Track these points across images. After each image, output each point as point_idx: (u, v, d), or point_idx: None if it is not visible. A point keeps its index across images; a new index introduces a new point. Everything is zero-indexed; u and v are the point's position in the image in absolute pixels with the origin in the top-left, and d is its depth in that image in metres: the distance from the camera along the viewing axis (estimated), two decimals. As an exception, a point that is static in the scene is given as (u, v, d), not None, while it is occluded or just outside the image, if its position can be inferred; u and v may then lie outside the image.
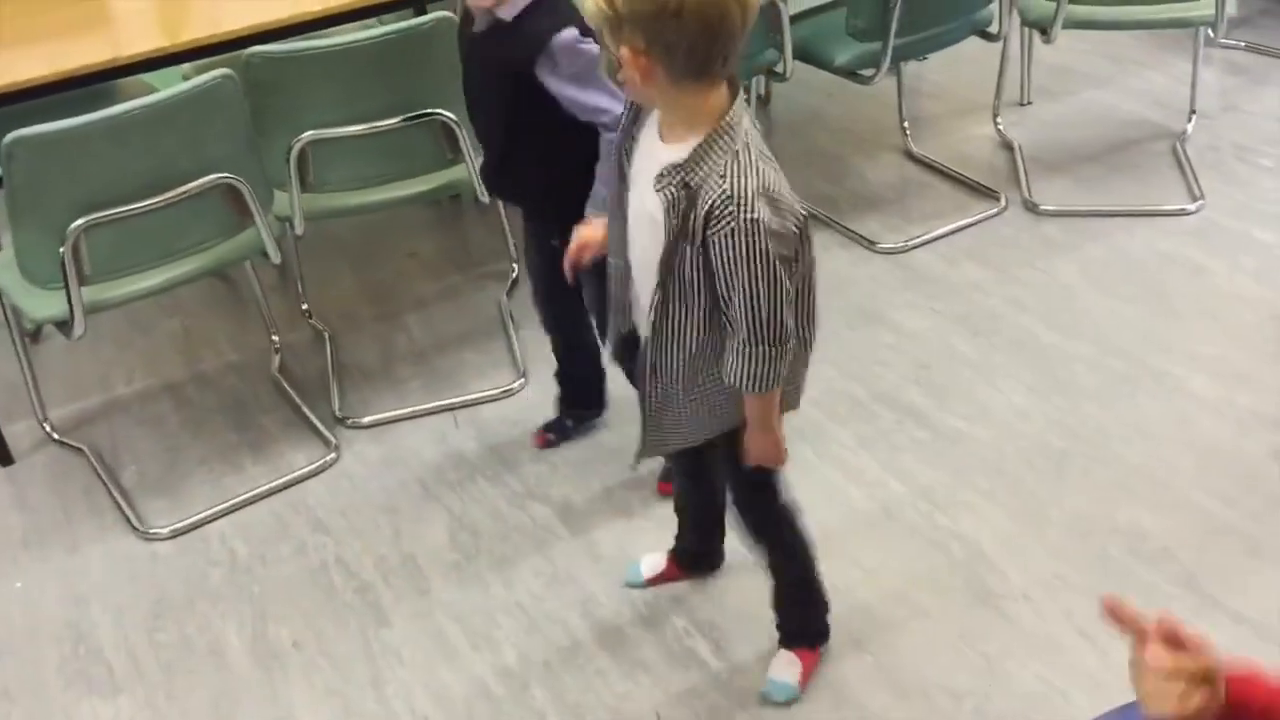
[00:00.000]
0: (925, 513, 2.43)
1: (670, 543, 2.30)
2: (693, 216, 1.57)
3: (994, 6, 3.34)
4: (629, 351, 1.87)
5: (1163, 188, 3.47)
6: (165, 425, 2.86)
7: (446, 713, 2.10)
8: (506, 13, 2.06)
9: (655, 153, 1.63)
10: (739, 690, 2.09)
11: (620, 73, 1.57)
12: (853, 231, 3.37)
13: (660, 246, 1.63)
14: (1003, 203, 3.44)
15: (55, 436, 2.83)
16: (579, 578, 2.35)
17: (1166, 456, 2.52)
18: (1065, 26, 3.30)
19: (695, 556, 2.29)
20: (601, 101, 2.03)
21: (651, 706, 2.08)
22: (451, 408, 2.83)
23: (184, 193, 2.37)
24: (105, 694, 2.20)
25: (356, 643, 2.25)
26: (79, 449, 2.78)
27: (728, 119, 1.56)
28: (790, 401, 1.85)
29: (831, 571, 2.30)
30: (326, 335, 3.11)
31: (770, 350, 1.63)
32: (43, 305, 2.44)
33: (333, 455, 2.70)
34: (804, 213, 1.61)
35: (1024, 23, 3.49)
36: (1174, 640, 1.06)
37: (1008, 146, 3.75)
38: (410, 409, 2.83)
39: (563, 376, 2.66)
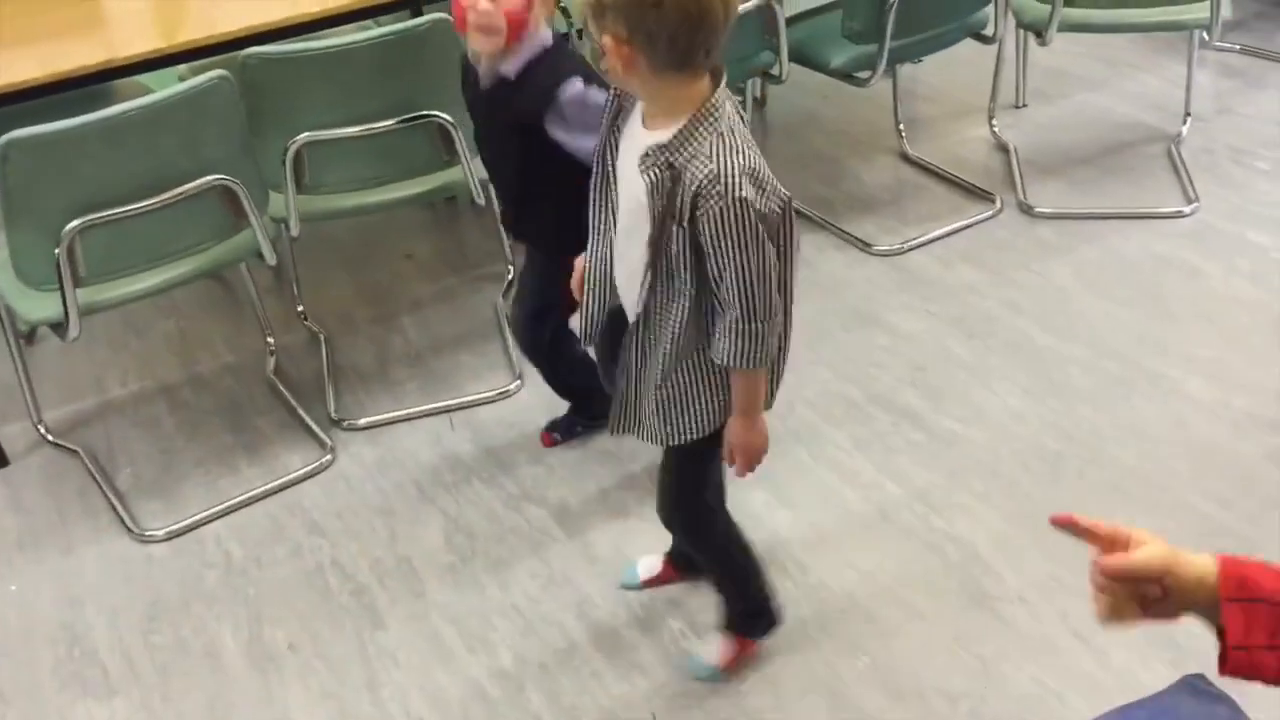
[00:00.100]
0: (921, 515, 2.43)
1: (667, 544, 2.30)
2: (679, 197, 1.59)
3: (989, 9, 3.35)
4: (609, 338, 1.87)
5: (1158, 190, 3.48)
6: (160, 427, 2.86)
7: (442, 715, 2.10)
8: (510, 69, 2.06)
9: (639, 139, 1.64)
10: (734, 692, 2.09)
11: (603, 61, 1.58)
12: (848, 233, 3.37)
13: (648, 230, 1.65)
14: (998, 205, 3.45)
15: (50, 438, 2.82)
16: (575, 580, 2.34)
17: (1162, 459, 2.52)
18: (1060, 29, 3.31)
19: (691, 558, 2.29)
20: None
21: (648, 709, 2.08)
22: (447, 410, 2.83)
23: (179, 194, 2.37)
24: (100, 696, 2.19)
25: (352, 645, 2.25)
26: (74, 451, 2.78)
27: (711, 102, 1.58)
28: (771, 398, 1.84)
29: (827, 573, 2.31)
30: (322, 337, 3.11)
31: (761, 326, 1.65)
32: (37, 307, 2.43)
33: (328, 457, 2.70)
34: (787, 195, 1.63)
35: (1019, 25, 3.49)
36: (1120, 546, 1.07)
37: (1003, 149, 3.75)
38: (406, 411, 2.83)
39: (563, 393, 2.65)
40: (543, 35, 2.07)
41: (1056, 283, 3.12)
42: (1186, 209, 3.36)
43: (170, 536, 2.52)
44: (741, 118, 1.65)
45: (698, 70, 1.57)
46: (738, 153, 1.56)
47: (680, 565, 2.30)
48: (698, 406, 1.79)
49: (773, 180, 1.60)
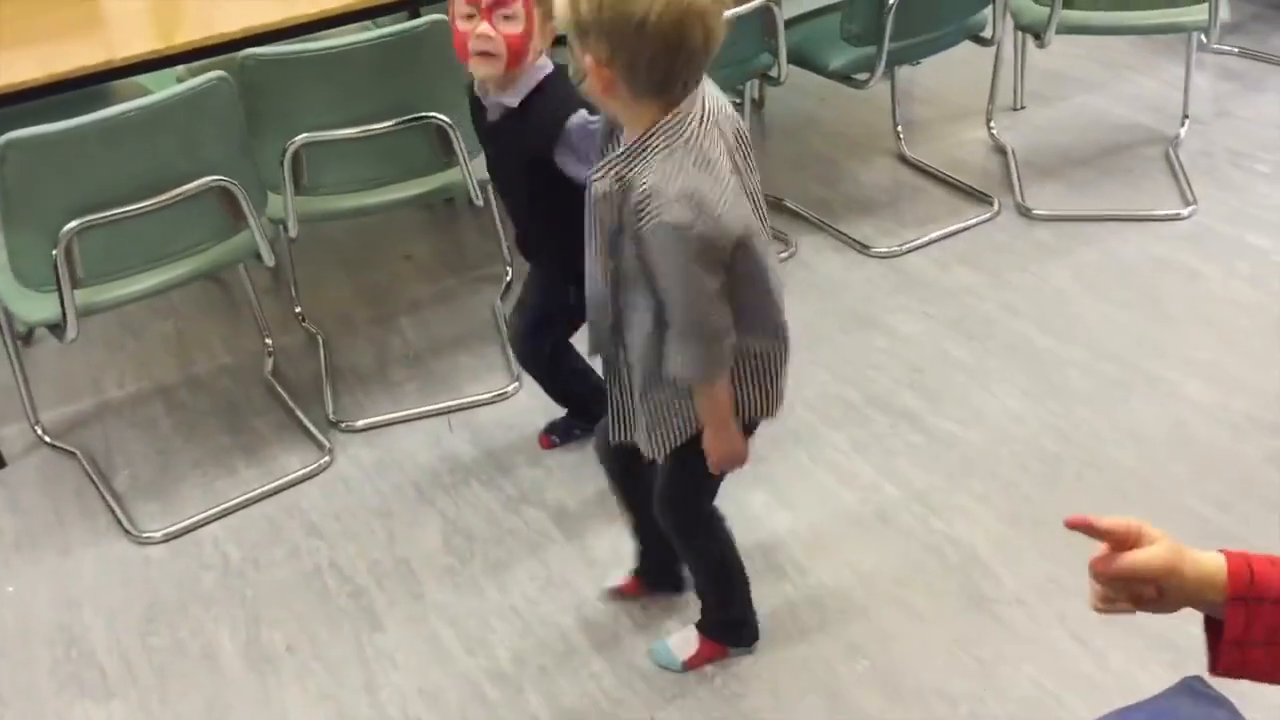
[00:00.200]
0: (920, 516, 2.43)
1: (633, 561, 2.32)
2: (625, 209, 1.60)
3: (988, 11, 3.35)
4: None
5: (1156, 193, 3.48)
6: (158, 428, 2.85)
7: (440, 716, 2.10)
8: (512, 99, 2.07)
9: None
10: (734, 694, 2.09)
11: (585, 81, 1.59)
12: (846, 235, 3.37)
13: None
14: (996, 207, 3.45)
15: (47, 440, 2.82)
16: (573, 582, 2.34)
17: (1161, 461, 2.52)
18: (1059, 31, 3.31)
19: (656, 579, 2.28)
20: None
21: (646, 710, 2.08)
22: (446, 411, 2.82)
23: (178, 195, 2.36)
24: (98, 698, 2.19)
25: (350, 646, 2.25)
26: (71, 452, 2.77)
27: (668, 119, 1.57)
28: (762, 409, 1.84)
29: (826, 575, 2.31)
30: (320, 338, 3.10)
31: (697, 346, 1.66)
32: (35, 308, 2.43)
33: (326, 459, 2.69)
34: (742, 227, 1.61)
35: (1017, 27, 3.49)
36: (1130, 543, 1.08)
37: (1001, 151, 3.75)
38: (404, 412, 2.82)
39: (561, 400, 2.65)
40: (543, 64, 2.08)
41: (1055, 285, 3.12)
42: (1185, 211, 3.37)
43: (168, 538, 2.52)
44: (738, 131, 1.66)
45: (674, 99, 1.57)
46: (682, 173, 1.56)
47: (646, 583, 2.28)
48: (675, 419, 1.80)
49: (721, 207, 1.58)
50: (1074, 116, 3.95)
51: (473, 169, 2.65)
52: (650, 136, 1.58)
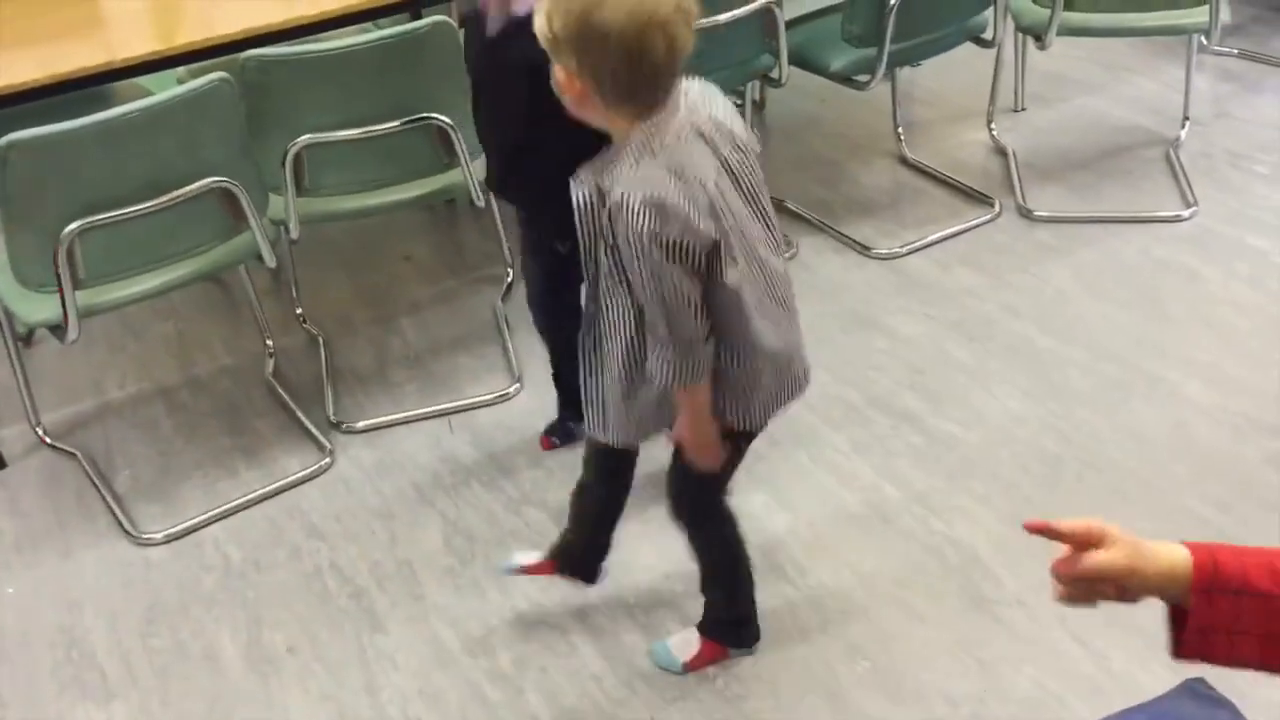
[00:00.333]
0: (920, 517, 2.43)
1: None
2: (603, 216, 1.64)
3: (988, 13, 3.35)
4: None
5: (1156, 194, 3.48)
6: (158, 430, 2.85)
7: (441, 717, 2.10)
8: (521, 8, 2.05)
9: None
10: (735, 696, 2.09)
11: (564, 94, 1.63)
12: (847, 237, 3.37)
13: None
14: (997, 208, 3.45)
15: (48, 441, 2.82)
16: (575, 583, 2.34)
17: (1161, 462, 2.52)
18: (1060, 33, 3.31)
19: (576, 560, 2.25)
20: None
21: (647, 712, 2.08)
22: (446, 412, 2.82)
23: (179, 196, 2.36)
24: (99, 700, 2.19)
25: (351, 648, 2.25)
26: (72, 453, 2.77)
27: (642, 128, 1.60)
28: (742, 421, 1.84)
29: (826, 576, 2.31)
30: (320, 339, 3.10)
31: (672, 351, 1.68)
32: (36, 309, 2.43)
33: (327, 460, 2.69)
34: (713, 235, 1.62)
35: (1018, 29, 3.49)
36: (1091, 544, 1.09)
37: (1001, 152, 3.75)
38: (405, 414, 2.82)
39: (559, 379, 2.65)
40: None
41: (1055, 286, 3.12)
42: (1185, 213, 3.37)
43: (169, 539, 2.52)
44: (735, 145, 1.69)
45: (647, 105, 1.60)
46: (647, 181, 1.58)
47: (560, 561, 2.26)
48: (660, 412, 1.83)
49: (688, 216, 1.59)
50: (1074, 118, 3.95)
51: (474, 170, 2.65)
52: (622, 145, 1.62)
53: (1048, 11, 3.28)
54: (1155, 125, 3.84)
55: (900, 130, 3.83)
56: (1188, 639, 1.06)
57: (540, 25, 1.57)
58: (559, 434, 2.69)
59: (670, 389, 1.75)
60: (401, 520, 2.53)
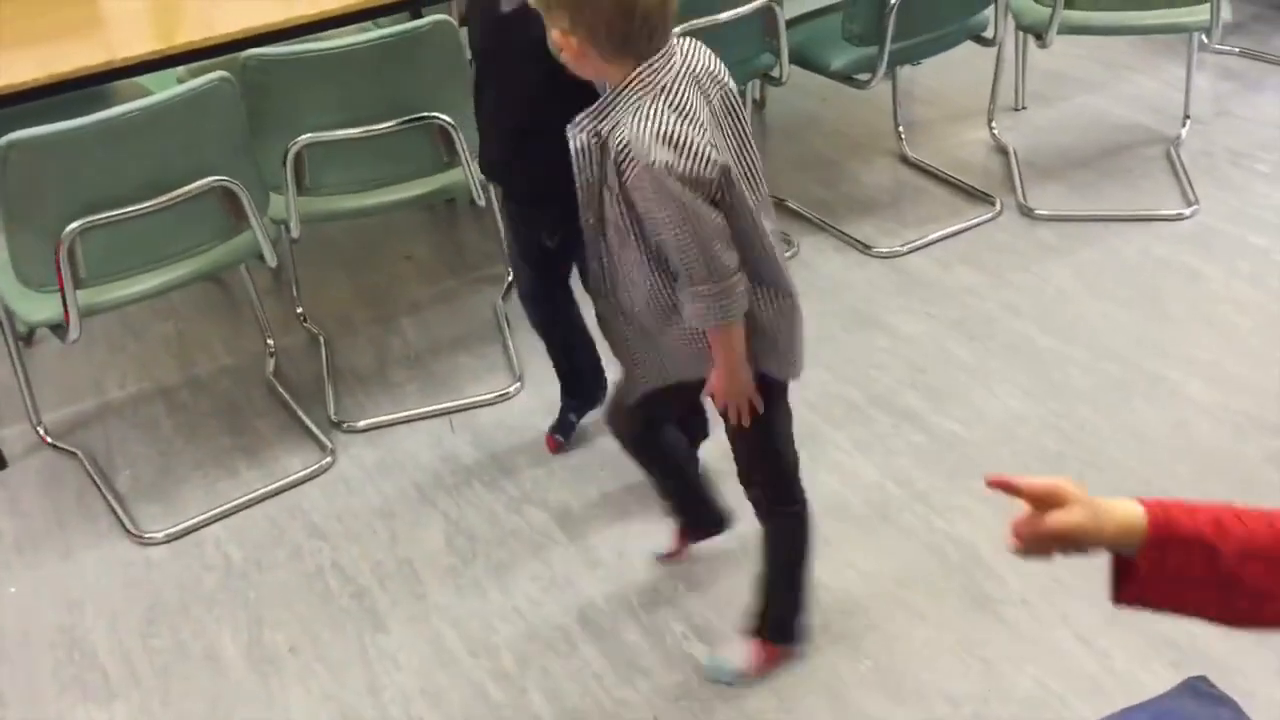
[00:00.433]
0: (922, 516, 2.43)
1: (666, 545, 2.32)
2: (607, 164, 1.65)
3: (989, 11, 3.35)
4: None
5: (1157, 193, 3.48)
6: (159, 429, 2.85)
7: (443, 717, 2.10)
8: None
9: None
10: (737, 695, 2.09)
11: (561, 53, 1.65)
12: (848, 235, 3.37)
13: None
14: (997, 207, 3.45)
15: (49, 440, 2.81)
16: (576, 583, 2.34)
17: (1162, 461, 2.52)
18: (1060, 31, 3.31)
19: (694, 522, 2.29)
20: None
21: (650, 711, 2.08)
22: (447, 412, 2.82)
23: (180, 196, 2.36)
24: (100, 700, 2.19)
25: (353, 648, 2.25)
26: (72, 453, 2.77)
27: (641, 71, 1.62)
28: (780, 369, 1.86)
29: (828, 575, 2.31)
30: (321, 339, 3.10)
31: (713, 287, 1.67)
32: (37, 308, 2.43)
33: (328, 459, 2.69)
34: (722, 162, 1.64)
35: (1019, 27, 3.49)
36: (1051, 503, 1.13)
37: (1002, 151, 3.75)
38: (406, 413, 2.82)
39: (560, 370, 2.65)
40: None
41: (1056, 285, 3.12)
42: (1186, 211, 3.37)
43: (169, 539, 2.52)
44: (725, 96, 1.69)
45: (642, 54, 1.62)
46: (653, 119, 1.60)
47: (690, 531, 2.30)
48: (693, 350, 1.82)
49: (699, 146, 1.61)
50: (1075, 117, 3.95)
51: (474, 170, 2.64)
52: (623, 89, 1.63)
53: (1049, 10, 3.28)
54: (1156, 124, 3.84)
55: (901, 129, 3.83)
56: (1133, 587, 1.10)
57: None
58: (563, 431, 2.68)
59: (709, 330, 1.73)
60: (403, 520, 2.53)
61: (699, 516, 2.28)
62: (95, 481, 2.68)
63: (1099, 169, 3.62)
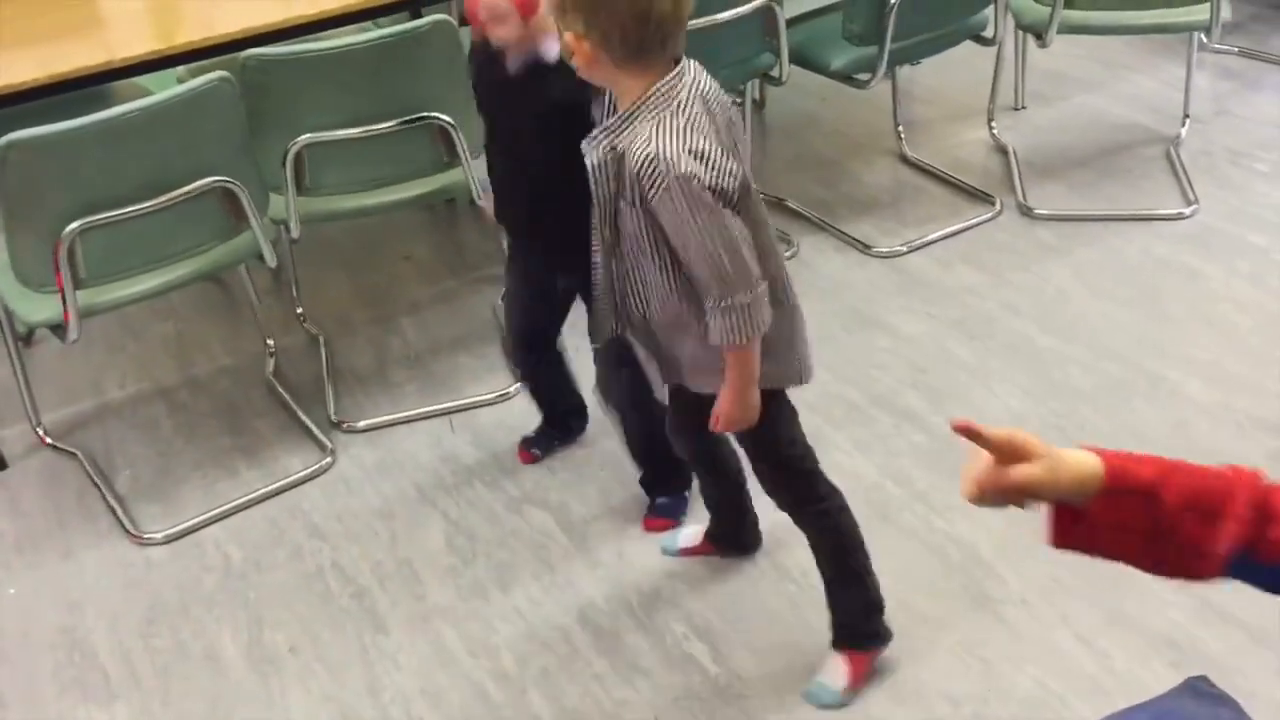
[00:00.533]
0: (922, 516, 2.43)
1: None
2: (625, 179, 1.65)
3: (989, 11, 3.35)
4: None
5: (1157, 192, 3.48)
6: (159, 430, 2.85)
7: (443, 718, 2.09)
8: (550, 52, 1.97)
9: None
10: (738, 695, 2.09)
11: (572, 57, 1.65)
12: (848, 235, 3.37)
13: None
14: (997, 207, 3.45)
15: (48, 441, 2.81)
16: (577, 583, 2.34)
17: (1163, 461, 2.52)
18: (1060, 31, 3.30)
19: (725, 537, 2.34)
20: None
21: (650, 712, 2.08)
22: (447, 412, 2.82)
23: (179, 196, 2.36)
24: (100, 700, 2.18)
25: (353, 648, 2.24)
26: (72, 453, 2.77)
27: (659, 87, 1.63)
28: (789, 378, 1.88)
29: (829, 576, 2.30)
30: (321, 339, 3.10)
31: (743, 296, 1.68)
32: (37, 309, 2.43)
33: (328, 460, 2.69)
34: (741, 175, 1.66)
35: (1019, 27, 3.49)
36: (1014, 456, 1.13)
37: (1002, 151, 3.75)
38: (406, 413, 2.82)
39: (546, 410, 2.65)
40: None
41: (1056, 284, 3.12)
42: (1186, 211, 3.37)
43: (169, 539, 2.52)
44: (729, 122, 1.70)
45: (654, 63, 1.62)
46: (677, 134, 1.61)
47: (719, 542, 2.33)
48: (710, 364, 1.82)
49: (722, 159, 1.63)
50: (1075, 116, 3.95)
51: (474, 170, 2.64)
52: (640, 105, 1.63)
53: (1048, 9, 3.28)
54: (1155, 123, 3.84)
55: (901, 129, 3.83)
56: (1079, 533, 1.13)
57: None
58: (539, 444, 2.66)
59: (729, 349, 1.73)
60: (403, 520, 2.53)
61: (736, 533, 2.33)
62: (95, 482, 2.68)
63: (1098, 168, 3.62)
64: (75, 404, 2.95)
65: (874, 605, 2.06)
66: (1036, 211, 3.41)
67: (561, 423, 2.65)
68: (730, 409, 1.81)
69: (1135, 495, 1.10)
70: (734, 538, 2.33)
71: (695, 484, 2.42)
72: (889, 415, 2.71)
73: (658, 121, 1.62)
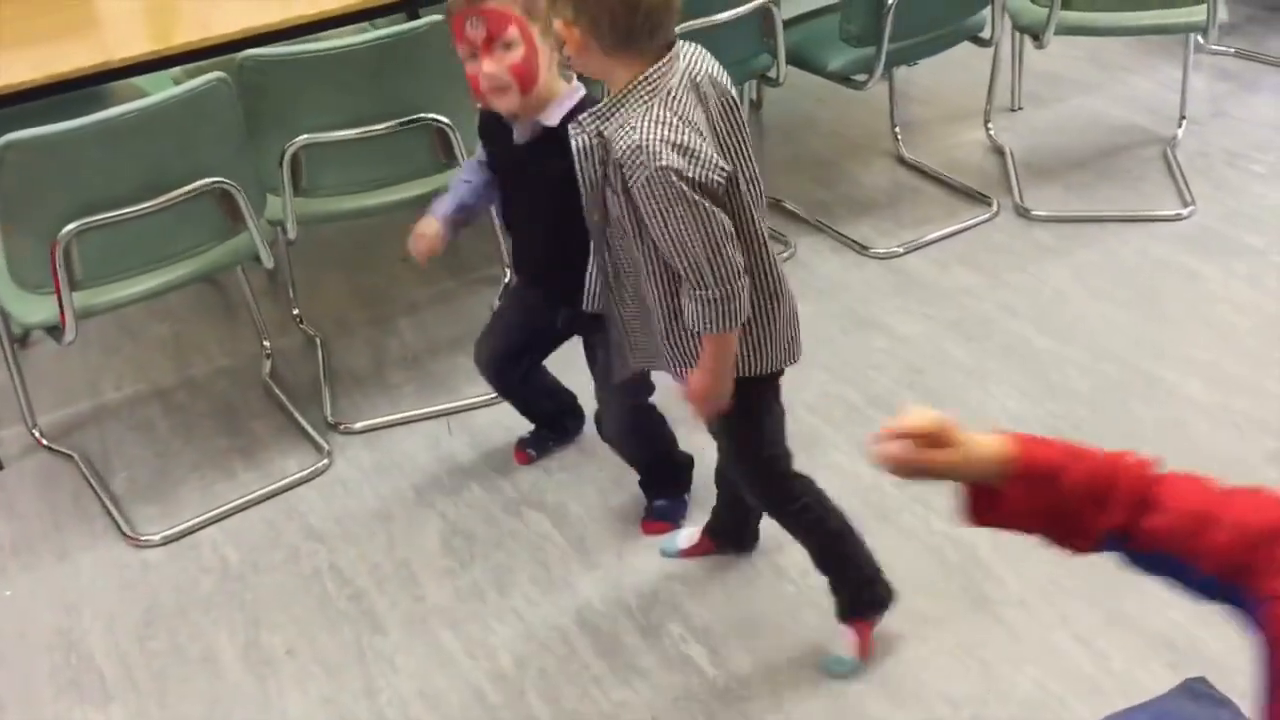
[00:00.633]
0: (921, 517, 2.43)
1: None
2: (610, 165, 1.66)
3: (986, 12, 3.35)
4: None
5: (1154, 193, 3.48)
6: (155, 431, 2.85)
7: (441, 719, 2.10)
8: (550, 119, 1.99)
9: None
10: (736, 696, 2.09)
11: (563, 46, 1.66)
12: (845, 236, 3.37)
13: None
14: (994, 208, 3.45)
15: (44, 443, 2.81)
16: (575, 584, 2.34)
17: (1161, 462, 2.52)
18: (1057, 32, 3.31)
19: (725, 533, 2.33)
20: None
21: (648, 713, 2.07)
22: (445, 413, 2.82)
23: (176, 197, 2.36)
24: (97, 702, 2.18)
25: (350, 650, 2.24)
26: (68, 455, 2.76)
27: (647, 75, 1.63)
28: (784, 357, 1.88)
29: (828, 577, 2.30)
30: (318, 340, 3.10)
31: (718, 291, 1.68)
32: (33, 310, 2.42)
33: (325, 461, 2.69)
34: (727, 168, 1.66)
35: (1016, 28, 3.49)
36: (935, 443, 1.20)
37: (999, 152, 3.75)
38: (403, 414, 2.82)
39: (532, 418, 2.64)
40: (576, 87, 2.03)
41: (1053, 285, 3.12)
42: (1183, 212, 3.37)
43: (166, 541, 2.51)
44: (723, 100, 1.70)
45: (644, 50, 1.63)
46: (663, 124, 1.61)
47: (718, 539, 2.33)
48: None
49: (707, 153, 1.63)
50: (1072, 117, 3.95)
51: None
52: (628, 91, 1.63)
53: (1045, 10, 3.28)
54: (1152, 124, 3.84)
55: (898, 130, 3.83)
56: (994, 513, 1.20)
57: None
58: (534, 445, 2.66)
59: (705, 335, 1.74)
60: (400, 521, 2.53)
61: (737, 533, 2.33)
62: (91, 484, 2.67)
63: (1095, 170, 3.62)
64: (71, 405, 2.94)
65: (871, 577, 2.09)
66: (1033, 212, 3.42)
67: (557, 423, 2.65)
68: (700, 385, 1.81)
69: (1042, 480, 1.17)
70: (734, 533, 2.33)
71: (694, 485, 2.42)
72: (887, 416, 2.69)
73: (646, 109, 1.62)
